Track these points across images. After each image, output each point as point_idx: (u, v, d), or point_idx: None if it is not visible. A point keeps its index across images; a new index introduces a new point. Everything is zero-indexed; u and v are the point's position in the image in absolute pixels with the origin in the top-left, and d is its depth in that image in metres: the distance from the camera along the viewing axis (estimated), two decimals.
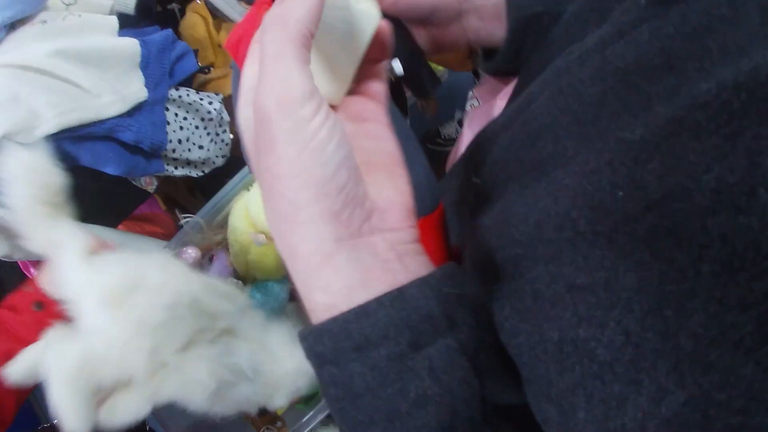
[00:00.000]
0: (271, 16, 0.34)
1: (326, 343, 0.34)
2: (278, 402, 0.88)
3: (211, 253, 1.22)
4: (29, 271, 1.33)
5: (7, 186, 0.81)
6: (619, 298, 0.31)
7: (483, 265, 0.45)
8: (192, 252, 1.16)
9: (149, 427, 1.11)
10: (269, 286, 1.15)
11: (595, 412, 0.32)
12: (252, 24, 0.48)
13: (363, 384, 0.34)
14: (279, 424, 1.18)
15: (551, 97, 0.44)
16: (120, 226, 1.33)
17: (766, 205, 0.26)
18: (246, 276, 1.21)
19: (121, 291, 0.75)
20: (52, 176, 0.83)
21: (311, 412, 1.10)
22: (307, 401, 1.30)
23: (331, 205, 0.33)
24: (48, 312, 0.92)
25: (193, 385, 0.77)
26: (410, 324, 0.33)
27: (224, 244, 1.20)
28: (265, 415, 1.19)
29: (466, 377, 0.34)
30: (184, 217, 1.15)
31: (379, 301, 0.33)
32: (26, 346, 0.85)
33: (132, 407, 0.75)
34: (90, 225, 1.12)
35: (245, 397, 0.83)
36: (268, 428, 1.17)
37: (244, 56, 0.38)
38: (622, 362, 0.31)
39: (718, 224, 0.27)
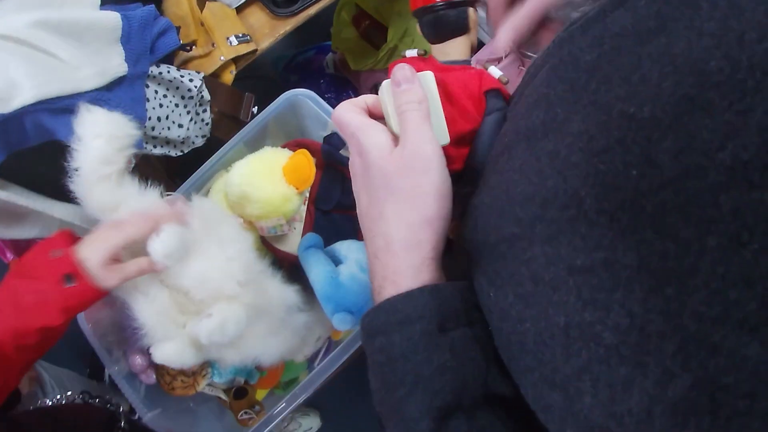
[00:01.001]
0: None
1: (380, 317, 0.46)
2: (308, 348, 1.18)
3: None
4: (5, 255, 1.29)
5: (80, 143, 0.85)
6: (619, 278, 0.32)
7: (479, 247, 0.48)
8: None
9: (125, 407, 1.09)
10: None
11: (600, 397, 0.32)
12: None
13: (400, 350, 0.44)
14: (257, 408, 1.17)
15: (552, 67, 0.45)
16: None
17: None
18: None
19: (216, 220, 0.90)
20: (128, 138, 0.87)
21: (288, 396, 1.09)
22: (285, 386, 1.29)
23: (446, 226, 0.49)
24: (80, 286, 0.79)
25: (275, 299, 0.96)
26: (441, 311, 0.45)
27: None
28: (242, 398, 1.18)
29: (476, 359, 0.44)
30: (166, 194, 1.13)
31: (422, 290, 0.45)
32: (40, 325, 0.78)
33: (237, 314, 0.86)
34: (64, 204, 1.09)
35: (301, 324, 1.05)
36: (246, 412, 1.16)
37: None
38: (629, 345, 0.31)
39: (731, 199, 0.27)
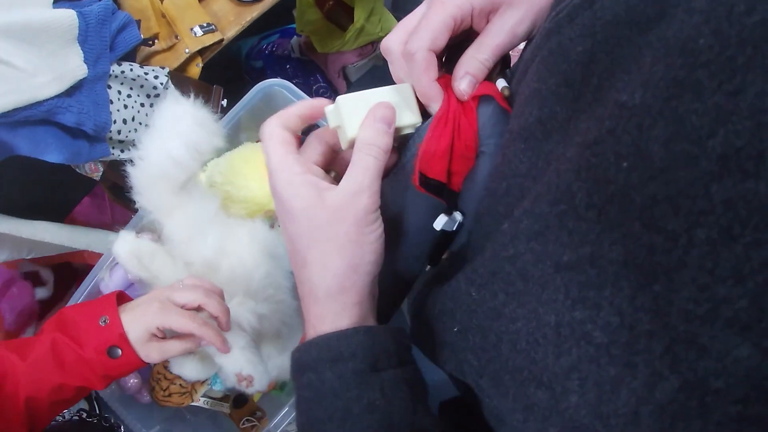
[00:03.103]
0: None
1: (312, 353, 0.47)
2: None
3: None
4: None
5: (154, 132, 0.78)
6: (607, 274, 0.30)
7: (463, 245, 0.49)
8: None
9: (123, 428, 1.04)
10: None
11: (588, 396, 0.31)
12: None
13: (331, 387, 0.45)
14: (258, 414, 1.13)
15: (541, 60, 0.43)
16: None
17: None
18: None
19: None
20: (210, 145, 0.81)
21: (292, 400, 1.05)
22: (282, 387, 1.25)
23: (373, 270, 0.48)
24: (123, 359, 0.75)
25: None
26: (374, 351, 0.46)
27: None
28: (242, 406, 1.13)
29: (405, 399, 0.46)
30: None
31: (357, 330, 0.47)
32: (80, 385, 0.75)
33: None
34: (31, 222, 1.03)
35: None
36: (248, 419, 1.11)
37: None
38: (618, 344, 0.30)
39: (723, 189, 0.25)
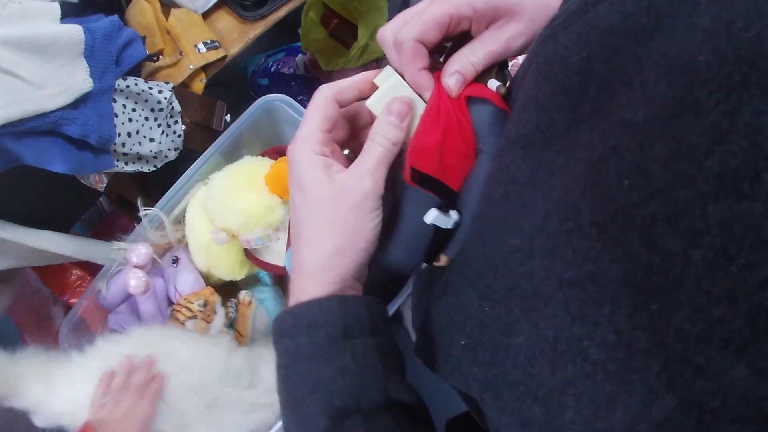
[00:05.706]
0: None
1: (288, 320, 0.49)
2: None
3: (174, 253, 1.15)
4: None
5: None
6: (606, 292, 0.30)
7: (472, 259, 0.48)
8: (143, 250, 1.09)
9: None
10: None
11: (583, 413, 0.31)
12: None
13: (305, 352, 0.47)
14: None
15: (537, 67, 0.43)
16: None
17: None
18: (207, 276, 1.15)
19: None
20: None
21: None
22: None
23: (361, 257, 0.50)
24: None
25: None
26: (345, 319, 0.48)
27: (185, 242, 1.14)
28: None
29: (376, 366, 0.47)
30: (144, 210, 1.09)
31: (330, 299, 0.48)
32: None
33: None
34: (39, 230, 1.05)
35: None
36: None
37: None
38: (615, 362, 0.29)
39: (720, 210, 0.25)
